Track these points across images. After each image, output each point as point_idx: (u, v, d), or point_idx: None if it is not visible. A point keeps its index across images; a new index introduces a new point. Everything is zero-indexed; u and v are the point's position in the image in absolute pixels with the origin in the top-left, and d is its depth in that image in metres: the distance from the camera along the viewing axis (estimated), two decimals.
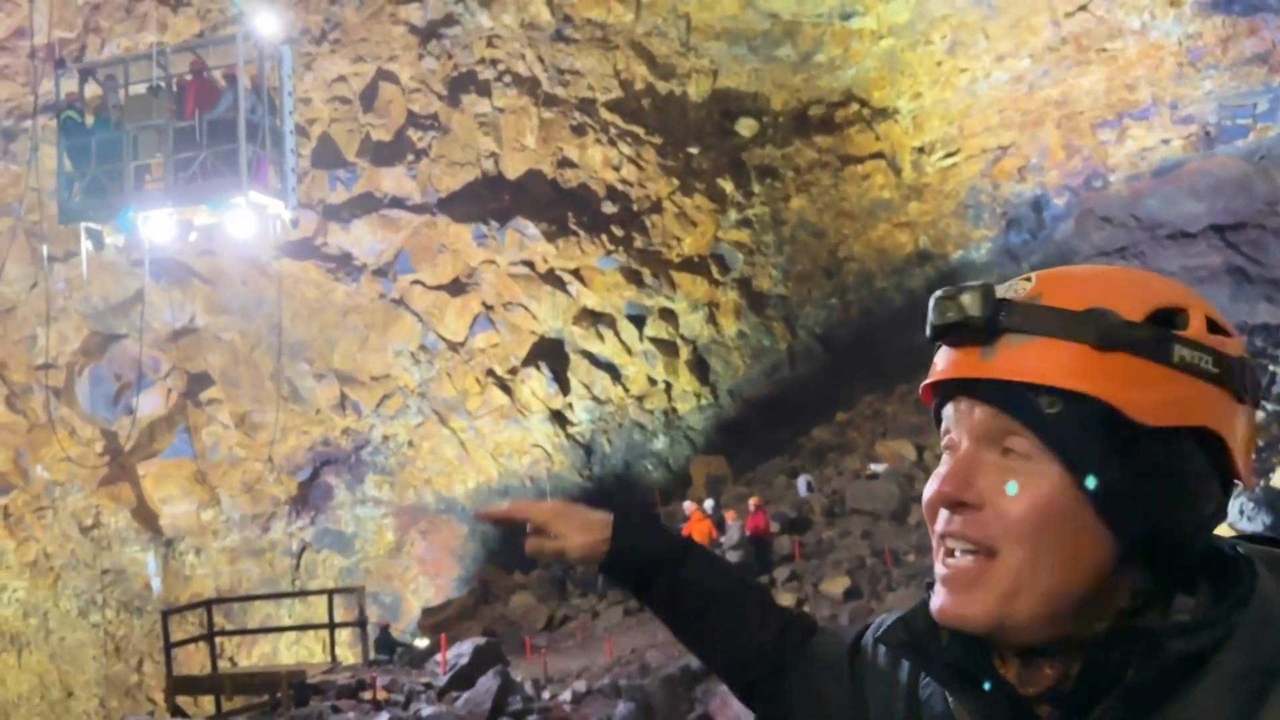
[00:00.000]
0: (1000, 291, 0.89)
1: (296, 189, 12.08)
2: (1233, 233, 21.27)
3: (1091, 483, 0.83)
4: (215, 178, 11.12)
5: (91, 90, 12.21)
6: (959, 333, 0.88)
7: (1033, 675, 0.89)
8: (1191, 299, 0.88)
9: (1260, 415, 19.65)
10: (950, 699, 0.93)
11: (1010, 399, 0.85)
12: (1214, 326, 0.87)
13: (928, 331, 0.91)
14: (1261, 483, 18.17)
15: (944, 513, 0.88)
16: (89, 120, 11.84)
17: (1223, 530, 0.95)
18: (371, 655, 16.19)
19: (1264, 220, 20.97)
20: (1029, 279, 0.90)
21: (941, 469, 0.89)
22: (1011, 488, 0.84)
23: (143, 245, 12.12)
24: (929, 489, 0.90)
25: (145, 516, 21.17)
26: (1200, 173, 20.83)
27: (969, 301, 0.87)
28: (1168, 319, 0.85)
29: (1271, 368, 20.26)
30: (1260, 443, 18.94)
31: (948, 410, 0.91)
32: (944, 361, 0.91)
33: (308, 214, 19.51)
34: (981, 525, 0.85)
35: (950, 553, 0.88)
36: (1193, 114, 19.74)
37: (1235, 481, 0.89)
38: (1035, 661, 0.88)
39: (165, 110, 11.27)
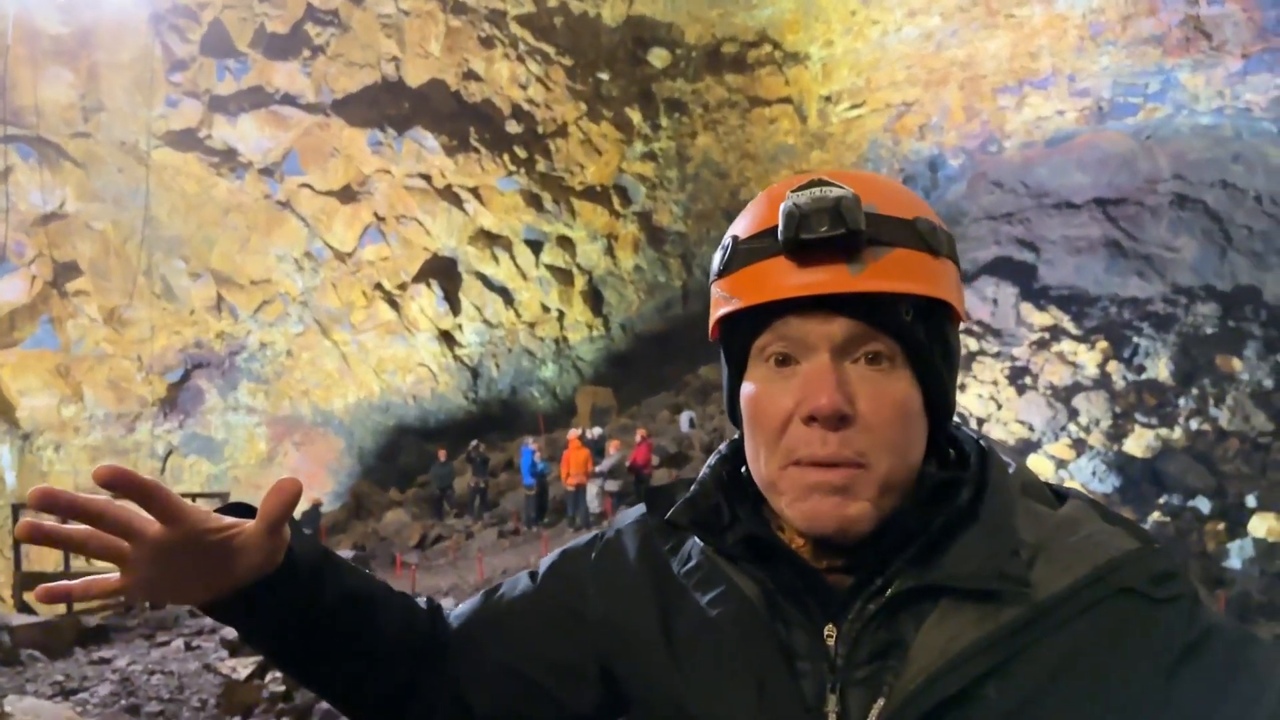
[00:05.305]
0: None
1: None
2: (1114, 207, 22.13)
3: (934, 378, 0.89)
4: None
5: None
6: (828, 246, 0.85)
7: (821, 553, 0.91)
8: None
9: (1120, 384, 20.64)
10: (734, 574, 0.93)
11: (875, 310, 0.86)
12: None
13: (781, 242, 0.86)
14: (1115, 448, 19.19)
15: (810, 430, 0.86)
16: None
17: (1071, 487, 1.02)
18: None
19: (1143, 198, 21.86)
20: (835, 184, 0.86)
21: (800, 382, 0.87)
22: (880, 396, 0.86)
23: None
24: (798, 402, 0.87)
25: (1, 408, 20.15)
26: (1089, 146, 21.54)
27: (849, 213, 0.84)
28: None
29: (1136, 339, 21.27)
30: (1118, 409, 19.93)
31: (784, 326, 0.88)
32: (799, 277, 0.86)
33: (192, 103, 18.56)
34: (855, 441, 0.86)
35: (818, 463, 0.86)
36: (1089, 88, 20.31)
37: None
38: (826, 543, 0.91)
39: None
